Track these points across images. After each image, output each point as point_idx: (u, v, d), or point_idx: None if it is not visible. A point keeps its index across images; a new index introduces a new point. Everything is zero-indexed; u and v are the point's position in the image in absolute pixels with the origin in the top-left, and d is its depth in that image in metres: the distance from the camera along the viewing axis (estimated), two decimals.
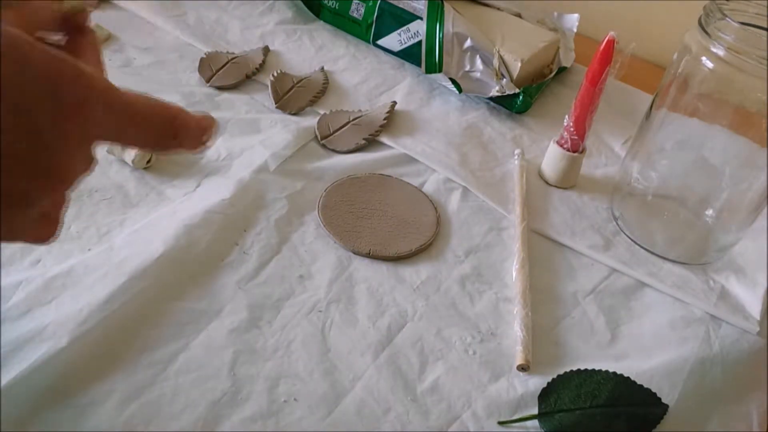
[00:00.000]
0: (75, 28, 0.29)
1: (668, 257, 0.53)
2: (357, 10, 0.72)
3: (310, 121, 0.60)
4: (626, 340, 0.47)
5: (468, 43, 0.66)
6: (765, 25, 0.47)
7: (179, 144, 0.27)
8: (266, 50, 0.69)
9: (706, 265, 0.53)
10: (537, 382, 0.42)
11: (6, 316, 0.39)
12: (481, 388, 0.42)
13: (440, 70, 0.67)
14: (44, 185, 0.24)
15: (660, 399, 0.42)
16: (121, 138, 0.26)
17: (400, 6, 0.69)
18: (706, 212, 0.54)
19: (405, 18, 0.69)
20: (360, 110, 0.63)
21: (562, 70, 0.73)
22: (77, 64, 0.23)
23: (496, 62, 0.66)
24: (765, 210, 0.52)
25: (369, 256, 0.49)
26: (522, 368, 0.43)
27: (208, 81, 0.63)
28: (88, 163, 0.26)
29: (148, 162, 0.52)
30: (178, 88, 0.61)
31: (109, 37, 0.66)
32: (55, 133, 0.23)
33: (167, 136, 0.27)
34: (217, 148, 0.55)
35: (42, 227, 0.27)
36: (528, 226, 0.53)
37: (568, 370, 0.43)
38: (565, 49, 0.74)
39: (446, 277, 0.48)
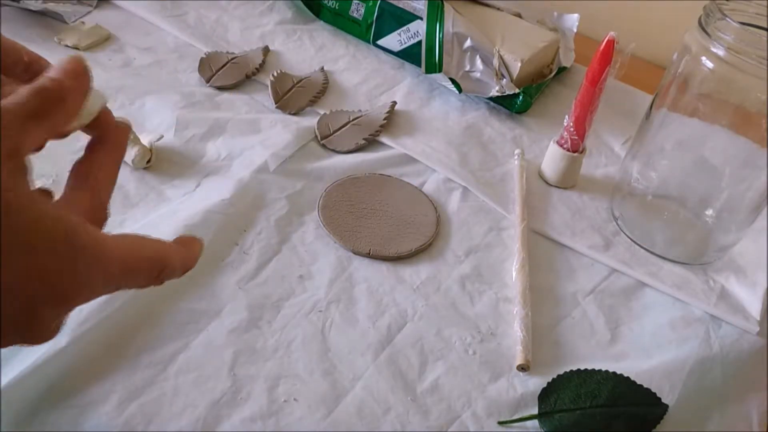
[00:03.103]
0: (98, 127, 0.29)
1: (668, 257, 0.53)
2: (357, 10, 0.72)
3: (310, 121, 0.60)
4: (626, 340, 0.47)
5: (468, 43, 0.66)
6: (765, 25, 0.47)
7: (163, 281, 0.29)
8: (266, 50, 0.69)
9: (706, 265, 0.53)
10: (537, 382, 0.42)
11: None
12: (481, 388, 0.41)
13: (440, 70, 0.67)
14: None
15: (660, 399, 0.42)
16: (118, 286, 0.27)
17: (400, 6, 0.69)
18: (706, 212, 0.54)
19: (405, 18, 0.69)
20: (360, 110, 0.63)
21: (562, 70, 0.73)
22: (69, 223, 0.24)
23: (496, 62, 0.66)
24: (765, 210, 0.52)
25: (369, 256, 0.49)
26: (522, 368, 0.43)
27: (208, 81, 0.63)
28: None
29: (148, 162, 0.52)
30: (178, 88, 0.61)
31: (109, 37, 0.66)
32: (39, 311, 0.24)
33: (155, 279, 0.28)
34: (217, 148, 0.55)
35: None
36: (528, 226, 0.53)
37: (568, 370, 0.43)
38: (565, 49, 0.74)
39: (446, 277, 0.48)
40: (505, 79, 0.66)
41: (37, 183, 0.24)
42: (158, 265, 0.28)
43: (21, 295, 0.23)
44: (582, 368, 0.43)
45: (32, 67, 0.30)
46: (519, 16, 0.75)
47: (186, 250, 0.30)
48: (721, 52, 0.45)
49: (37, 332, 0.25)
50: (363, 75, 0.69)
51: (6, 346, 0.25)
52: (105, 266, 0.25)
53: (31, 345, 0.26)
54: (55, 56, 0.28)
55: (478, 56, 0.67)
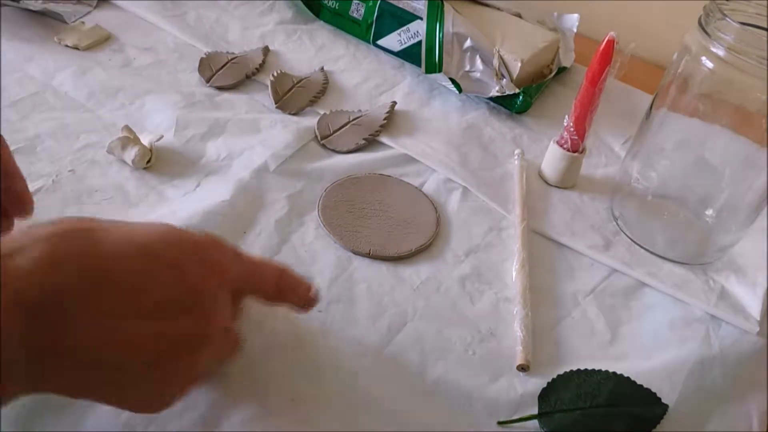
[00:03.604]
0: None
1: (668, 257, 0.53)
2: (357, 10, 0.73)
3: (310, 121, 0.60)
4: (626, 340, 0.47)
5: (468, 43, 0.66)
6: (765, 25, 0.47)
7: (286, 297, 0.36)
8: (266, 50, 0.69)
9: (706, 265, 0.53)
10: (537, 382, 0.42)
11: None
12: (481, 388, 0.41)
13: (440, 70, 0.67)
14: (200, 320, 0.31)
15: (660, 399, 0.42)
16: (247, 285, 0.35)
17: (400, 6, 0.69)
18: (706, 212, 0.54)
19: (405, 18, 0.69)
20: (360, 110, 0.63)
21: (562, 70, 0.73)
22: (214, 238, 0.33)
23: (496, 62, 0.66)
24: (765, 210, 0.52)
25: (369, 256, 0.49)
26: (522, 368, 0.43)
27: (208, 81, 0.63)
28: (232, 308, 0.34)
29: (148, 162, 0.52)
30: (178, 88, 0.61)
31: (109, 37, 0.66)
32: (203, 280, 0.31)
33: (279, 287, 0.35)
34: (217, 148, 0.55)
35: (227, 343, 0.35)
36: (528, 226, 0.53)
37: (568, 370, 0.43)
38: (565, 49, 0.74)
39: (446, 277, 0.48)
40: (505, 79, 0.66)
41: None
42: (278, 274, 0.35)
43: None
44: (582, 368, 0.43)
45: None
46: (519, 16, 0.75)
47: (301, 279, 0.37)
48: (721, 52, 0.45)
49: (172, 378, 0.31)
50: (363, 75, 0.69)
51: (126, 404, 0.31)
52: (239, 258, 0.34)
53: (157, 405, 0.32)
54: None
55: (478, 56, 0.67)
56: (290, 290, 0.36)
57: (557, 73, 0.72)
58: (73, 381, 0.28)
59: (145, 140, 0.52)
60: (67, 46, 0.63)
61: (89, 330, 0.26)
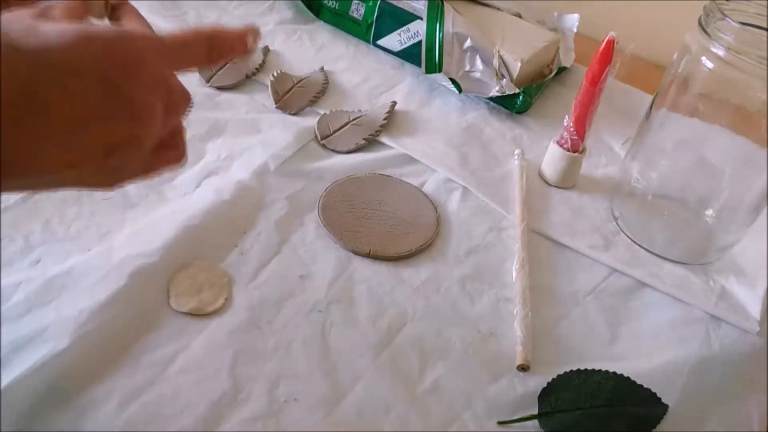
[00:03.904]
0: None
1: (668, 257, 0.53)
2: (357, 10, 0.72)
3: (310, 121, 0.60)
4: (626, 340, 0.46)
5: (468, 43, 0.66)
6: (765, 25, 0.47)
7: (225, 56, 0.33)
8: (266, 50, 0.69)
9: (706, 265, 0.53)
10: (537, 382, 0.42)
11: (6, 317, 0.39)
12: (481, 388, 0.41)
13: (440, 70, 0.67)
14: (133, 124, 0.29)
15: (660, 399, 0.42)
16: (177, 63, 0.31)
17: (400, 6, 0.69)
18: (706, 212, 0.54)
19: (405, 18, 0.69)
20: (360, 110, 0.63)
21: (562, 70, 0.73)
22: (126, 31, 0.29)
23: (496, 62, 0.66)
24: (765, 210, 0.52)
25: (369, 256, 0.49)
26: (522, 368, 0.43)
27: (208, 81, 0.63)
28: (168, 94, 0.30)
29: None
30: None
31: None
32: (123, 80, 0.28)
33: (212, 53, 0.32)
34: (217, 148, 0.55)
35: (164, 156, 0.32)
36: (528, 226, 0.53)
37: (568, 370, 0.43)
38: (565, 49, 0.74)
39: (446, 277, 0.48)
40: (505, 79, 0.66)
41: None
42: (208, 41, 0.32)
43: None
44: (582, 368, 0.43)
45: None
46: (519, 16, 0.74)
47: (236, 32, 0.33)
48: (721, 52, 0.45)
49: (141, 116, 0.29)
50: (363, 75, 0.69)
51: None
52: (157, 47, 0.30)
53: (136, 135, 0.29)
54: None
55: (478, 56, 0.67)
56: (227, 49, 0.33)
57: (557, 73, 0.72)
58: (15, 188, 0.28)
59: None
60: None
61: (20, 148, 0.26)
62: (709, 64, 0.46)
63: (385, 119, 0.61)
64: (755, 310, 0.50)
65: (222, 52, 0.33)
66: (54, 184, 0.29)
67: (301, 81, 0.65)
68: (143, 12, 0.35)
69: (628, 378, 0.42)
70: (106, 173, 0.30)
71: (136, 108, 0.28)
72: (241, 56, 0.35)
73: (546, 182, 0.59)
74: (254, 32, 0.34)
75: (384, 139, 0.60)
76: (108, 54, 0.27)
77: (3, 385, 0.35)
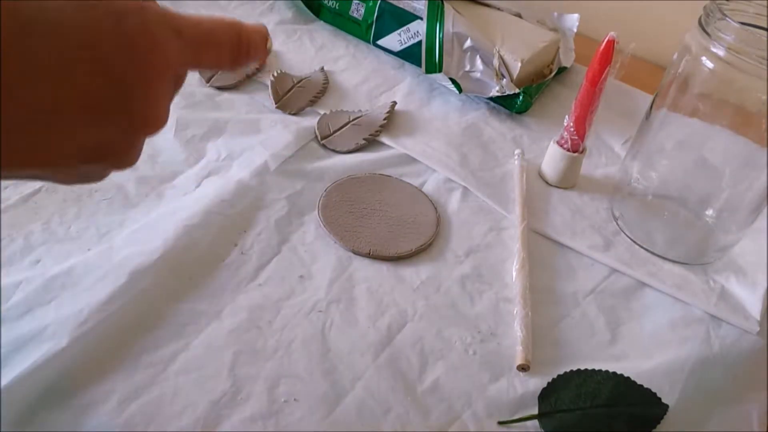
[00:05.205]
0: None
1: (668, 257, 0.53)
2: (357, 10, 0.72)
3: (310, 121, 0.60)
4: (626, 340, 0.46)
5: (468, 43, 0.66)
6: (765, 25, 0.47)
7: (250, 56, 0.28)
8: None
9: (706, 265, 0.53)
10: (537, 382, 0.42)
11: (6, 316, 0.39)
12: (481, 388, 0.41)
13: (440, 70, 0.67)
14: (128, 128, 0.23)
15: (660, 399, 0.42)
16: (200, 62, 0.26)
17: (400, 6, 0.69)
18: (706, 212, 0.54)
19: (405, 18, 0.69)
20: (360, 110, 0.63)
21: (562, 70, 0.73)
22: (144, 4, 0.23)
23: (496, 62, 0.66)
24: (765, 210, 0.52)
25: (369, 256, 0.49)
26: (522, 368, 0.43)
27: (208, 81, 0.63)
28: (169, 101, 0.25)
29: None
30: None
31: None
32: (131, 68, 0.22)
33: (239, 51, 0.27)
34: (217, 148, 0.55)
35: (122, 158, 0.26)
36: (528, 226, 0.53)
37: (568, 370, 0.43)
38: (565, 49, 0.74)
39: (446, 277, 0.48)
40: (505, 79, 0.66)
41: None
42: (237, 34, 0.27)
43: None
44: (582, 368, 0.43)
45: None
46: (519, 16, 0.74)
47: (256, 25, 0.28)
48: (721, 52, 0.45)
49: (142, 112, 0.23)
50: (363, 75, 0.69)
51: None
52: (179, 28, 0.24)
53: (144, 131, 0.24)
54: None
55: (478, 56, 0.67)
56: (253, 50, 0.28)
57: (557, 73, 0.72)
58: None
59: None
60: None
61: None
62: (709, 64, 0.46)
63: (385, 119, 0.61)
64: (755, 310, 0.50)
65: (249, 51, 0.28)
66: (7, 176, 0.23)
67: (301, 81, 0.65)
68: None
69: (628, 378, 0.42)
70: (69, 178, 0.24)
71: (141, 109, 0.23)
72: (260, 59, 0.29)
73: (546, 182, 0.59)
74: (265, 29, 0.29)
75: (384, 139, 0.60)
76: (117, 30, 0.21)
77: (3, 384, 0.35)
